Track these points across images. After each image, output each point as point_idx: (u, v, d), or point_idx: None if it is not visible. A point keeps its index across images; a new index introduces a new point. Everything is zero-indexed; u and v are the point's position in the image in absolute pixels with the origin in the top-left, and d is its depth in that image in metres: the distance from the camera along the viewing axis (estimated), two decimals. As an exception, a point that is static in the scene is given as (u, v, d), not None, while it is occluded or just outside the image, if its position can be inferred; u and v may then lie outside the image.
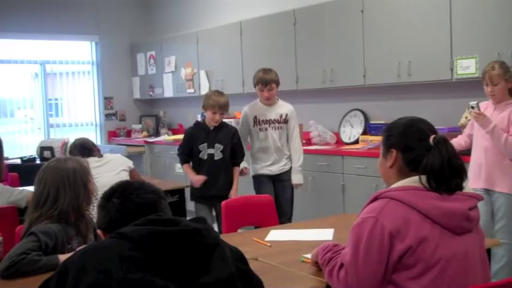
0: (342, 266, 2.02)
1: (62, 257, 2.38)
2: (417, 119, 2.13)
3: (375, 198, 2.02)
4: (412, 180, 1.99)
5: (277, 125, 4.72)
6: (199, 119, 7.94)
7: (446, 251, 1.92)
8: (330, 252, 2.16)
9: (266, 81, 4.60)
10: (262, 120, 4.71)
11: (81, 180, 2.68)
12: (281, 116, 4.74)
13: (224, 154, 4.42)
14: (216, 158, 4.41)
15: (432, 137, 2.01)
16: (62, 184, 2.63)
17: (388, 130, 2.14)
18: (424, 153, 1.99)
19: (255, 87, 4.70)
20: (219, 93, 4.50)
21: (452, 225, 1.95)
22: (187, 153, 4.49)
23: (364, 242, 1.93)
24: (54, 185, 2.63)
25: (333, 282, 2.05)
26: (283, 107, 4.78)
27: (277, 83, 4.69)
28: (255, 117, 4.71)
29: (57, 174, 2.65)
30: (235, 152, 4.51)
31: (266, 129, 4.71)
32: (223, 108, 4.36)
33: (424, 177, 1.97)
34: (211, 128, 4.42)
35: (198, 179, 4.39)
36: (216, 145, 4.39)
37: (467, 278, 1.94)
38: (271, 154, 4.72)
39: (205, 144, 4.39)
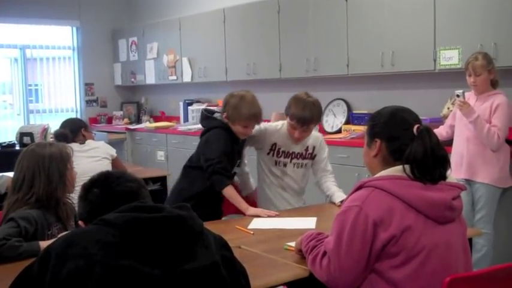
0: (325, 254, 2.03)
1: (43, 244, 2.35)
2: (401, 108, 2.13)
3: (359, 187, 2.03)
4: (396, 170, 2.00)
5: (300, 161, 3.45)
6: (181, 107, 7.94)
7: (429, 240, 1.93)
8: (313, 241, 2.17)
9: (304, 121, 3.25)
10: (283, 152, 3.41)
11: (57, 167, 2.63)
12: (307, 149, 3.45)
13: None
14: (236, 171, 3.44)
15: (416, 126, 2.02)
16: (37, 170, 2.60)
17: (373, 119, 2.14)
18: (407, 142, 1.99)
19: (286, 115, 3.36)
20: (250, 98, 3.28)
21: (436, 215, 1.96)
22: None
23: (347, 231, 1.94)
24: (30, 170, 2.60)
25: (316, 270, 2.05)
26: (310, 137, 3.45)
27: (318, 122, 3.48)
28: (274, 144, 3.41)
29: (33, 160, 2.62)
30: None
31: (285, 164, 3.43)
32: (259, 118, 3.30)
33: (407, 167, 1.97)
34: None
35: (264, 212, 3.12)
36: (242, 153, 3.45)
37: (450, 267, 1.96)
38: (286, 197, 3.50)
39: (239, 161, 3.39)
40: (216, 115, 3.33)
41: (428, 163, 1.96)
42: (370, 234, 1.91)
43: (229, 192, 3.16)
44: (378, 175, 2.04)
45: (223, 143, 3.20)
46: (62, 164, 2.65)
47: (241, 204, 3.15)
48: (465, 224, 2.12)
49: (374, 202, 1.94)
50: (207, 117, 3.36)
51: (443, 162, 2.01)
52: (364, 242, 1.91)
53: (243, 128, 3.24)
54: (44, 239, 2.48)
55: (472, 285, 1.93)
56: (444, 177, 2.02)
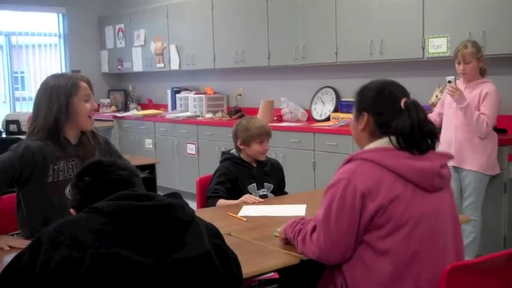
0: (314, 230, 2.04)
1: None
2: (389, 82, 2.12)
3: (349, 161, 2.04)
4: (384, 142, 2.01)
5: None
6: (169, 94, 7.91)
7: (416, 210, 1.95)
8: (299, 225, 2.19)
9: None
10: None
11: (57, 98, 2.56)
12: None
13: (274, 195, 3.44)
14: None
15: (403, 100, 2.01)
16: (41, 100, 2.58)
17: (361, 93, 2.14)
18: (395, 116, 1.99)
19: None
20: (254, 118, 3.55)
21: (425, 183, 1.97)
22: (226, 190, 3.29)
23: (336, 203, 1.95)
24: (36, 101, 2.60)
25: (307, 247, 2.06)
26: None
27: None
28: None
29: (40, 91, 2.61)
30: (279, 192, 3.52)
31: None
32: (270, 133, 3.45)
33: (394, 138, 1.98)
34: (254, 163, 3.44)
35: (250, 197, 3.19)
36: (266, 184, 3.43)
37: (438, 236, 1.98)
38: None
39: (254, 185, 3.38)
40: (232, 151, 3.49)
41: (415, 137, 1.97)
42: (359, 205, 1.93)
43: (220, 204, 3.22)
44: (365, 148, 2.05)
45: (220, 173, 3.36)
46: (63, 95, 2.57)
47: (233, 201, 3.20)
48: (453, 192, 2.15)
49: (362, 174, 1.95)
50: (222, 154, 3.56)
51: (431, 137, 2.02)
52: (353, 214, 1.93)
53: (260, 145, 3.38)
54: (47, 173, 2.52)
55: (472, 272, 1.94)
56: (432, 148, 2.03)
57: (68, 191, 2.54)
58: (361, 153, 2.02)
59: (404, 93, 2.07)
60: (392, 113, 2.00)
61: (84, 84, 2.65)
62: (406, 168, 1.95)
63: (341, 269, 2.02)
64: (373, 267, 1.94)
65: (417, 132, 1.96)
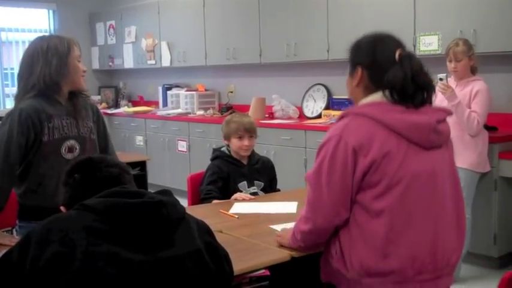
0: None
1: None
2: (383, 34, 2.05)
3: (342, 117, 1.99)
4: (378, 96, 1.96)
5: None
6: (160, 91, 7.89)
7: (411, 168, 1.89)
8: None
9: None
10: None
11: (55, 55, 2.54)
12: None
13: (265, 193, 3.41)
14: None
15: (398, 52, 1.95)
16: (36, 55, 2.54)
17: (354, 47, 2.07)
18: (389, 69, 1.93)
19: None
20: (240, 114, 3.71)
21: (420, 139, 1.91)
22: (218, 189, 3.28)
23: (327, 161, 1.91)
24: (29, 57, 2.57)
25: (300, 218, 2.03)
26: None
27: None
28: None
29: (31, 47, 2.59)
30: (271, 190, 3.49)
31: None
32: (251, 130, 3.37)
33: (387, 92, 1.93)
34: (244, 161, 3.41)
35: (240, 195, 3.20)
36: (256, 182, 3.40)
37: (435, 196, 1.92)
38: None
39: (245, 183, 3.36)
40: (223, 148, 3.48)
41: (408, 89, 1.90)
42: (351, 162, 1.87)
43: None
44: (359, 103, 2.01)
45: (211, 172, 3.35)
46: (61, 53, 2.56)
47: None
48: (452, 150, 2.08)
49: (353, 129, 1.90)
50: (213, 151, 3.53)
51: (427, 88, 1.95)
52: (345, 171, 1.88)
53: (239, 141, 3.34)
54: (43, 131, 2.50)
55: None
56: (429, 101, 1.96)
57: (64, 150, 2.56)
58: (353, 109, 1.97)
59: (399, 45, 2.00)
60: (386, 66, 1.93)
61: (75, 46, 2.67)
62: (398, 123, 1.88)
63: (336, 235, 1.97)
64: (367, 229, 1.89)
65: (410, 84, 1.90)
